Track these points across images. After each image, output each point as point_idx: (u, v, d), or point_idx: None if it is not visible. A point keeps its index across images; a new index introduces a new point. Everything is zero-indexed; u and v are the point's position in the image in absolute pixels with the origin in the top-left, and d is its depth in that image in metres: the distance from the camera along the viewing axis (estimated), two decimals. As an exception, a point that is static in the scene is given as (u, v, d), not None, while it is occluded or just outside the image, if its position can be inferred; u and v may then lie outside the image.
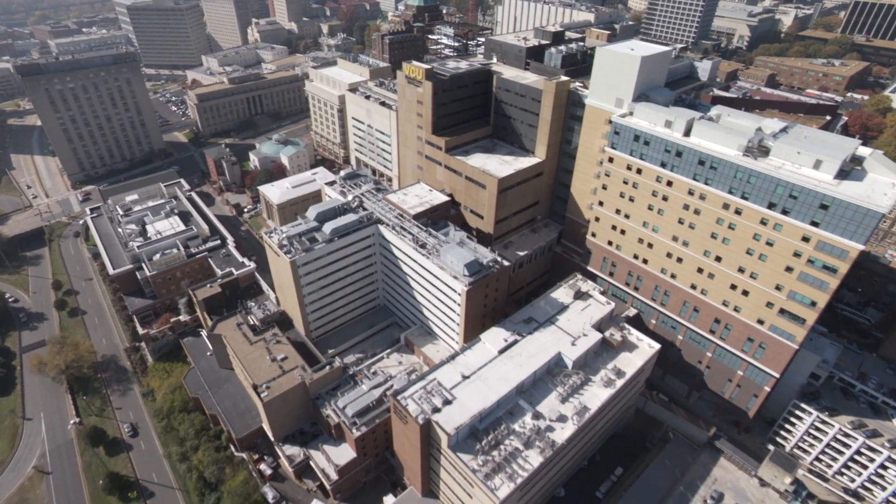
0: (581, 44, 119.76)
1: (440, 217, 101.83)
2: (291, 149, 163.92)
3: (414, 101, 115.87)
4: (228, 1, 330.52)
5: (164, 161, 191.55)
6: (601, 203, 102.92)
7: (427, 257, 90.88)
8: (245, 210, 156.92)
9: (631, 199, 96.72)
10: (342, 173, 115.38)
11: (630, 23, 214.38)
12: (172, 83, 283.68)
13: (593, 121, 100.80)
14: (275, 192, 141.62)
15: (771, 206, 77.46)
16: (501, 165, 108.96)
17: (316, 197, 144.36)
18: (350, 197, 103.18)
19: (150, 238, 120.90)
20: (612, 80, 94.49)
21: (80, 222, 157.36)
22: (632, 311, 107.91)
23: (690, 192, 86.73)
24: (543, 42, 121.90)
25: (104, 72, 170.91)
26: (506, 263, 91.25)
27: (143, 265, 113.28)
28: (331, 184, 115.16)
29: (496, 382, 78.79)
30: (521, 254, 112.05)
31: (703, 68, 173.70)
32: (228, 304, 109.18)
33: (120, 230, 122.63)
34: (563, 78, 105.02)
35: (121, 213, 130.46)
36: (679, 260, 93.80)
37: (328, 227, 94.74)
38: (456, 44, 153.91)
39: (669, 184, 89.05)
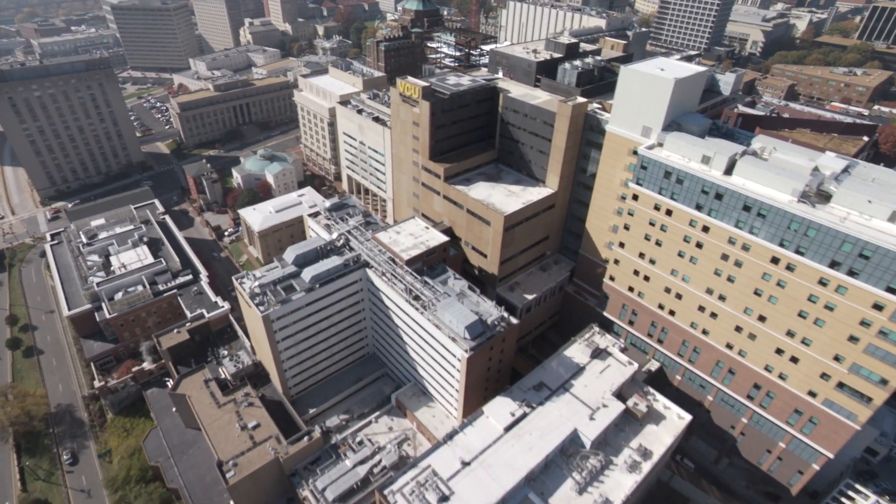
0: (598, 58, 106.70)
1: (437, 260, 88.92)
2: (277, 166, 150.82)
3: (409, 122, 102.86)
4: (220, 0, 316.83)
5: (143, 175, 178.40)
6: (622, 245, 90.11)
7: (421, 313, 78.01)
8: (226, 233, 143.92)
9: (658, 244, 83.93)
10: (327, 203, 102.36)
11: (642, 29, 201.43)
12: (159, 87, 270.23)
13: (615, 150, 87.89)
14: (256, 216, 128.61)
15: (833, 264, 64.64)
16: (508, 198, 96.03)
17: (301, 223, 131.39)
18: (335, 234, 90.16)
19: (113, 272, 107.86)
20: (639, 105, 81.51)
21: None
22: (654, 365, 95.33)
23: (731, 241, 73.92)
24: (555, 55, 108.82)
25: (75, 79, 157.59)
26: (514, 321, 78.37)
27: (103, 306, 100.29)
28: (314, 215, 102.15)
29: (502, 470, 66.10)
30: (530, 297, 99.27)
31: (726, 81, 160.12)
32: (198, 352, 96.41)
33: (80, 262, 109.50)
34: (580, 99, 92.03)
35: (84, 240, 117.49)
36: (713, 315, 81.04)
37: (308, 274, 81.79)
38: (457, 53, 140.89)
39: (705, 229, 76.25)
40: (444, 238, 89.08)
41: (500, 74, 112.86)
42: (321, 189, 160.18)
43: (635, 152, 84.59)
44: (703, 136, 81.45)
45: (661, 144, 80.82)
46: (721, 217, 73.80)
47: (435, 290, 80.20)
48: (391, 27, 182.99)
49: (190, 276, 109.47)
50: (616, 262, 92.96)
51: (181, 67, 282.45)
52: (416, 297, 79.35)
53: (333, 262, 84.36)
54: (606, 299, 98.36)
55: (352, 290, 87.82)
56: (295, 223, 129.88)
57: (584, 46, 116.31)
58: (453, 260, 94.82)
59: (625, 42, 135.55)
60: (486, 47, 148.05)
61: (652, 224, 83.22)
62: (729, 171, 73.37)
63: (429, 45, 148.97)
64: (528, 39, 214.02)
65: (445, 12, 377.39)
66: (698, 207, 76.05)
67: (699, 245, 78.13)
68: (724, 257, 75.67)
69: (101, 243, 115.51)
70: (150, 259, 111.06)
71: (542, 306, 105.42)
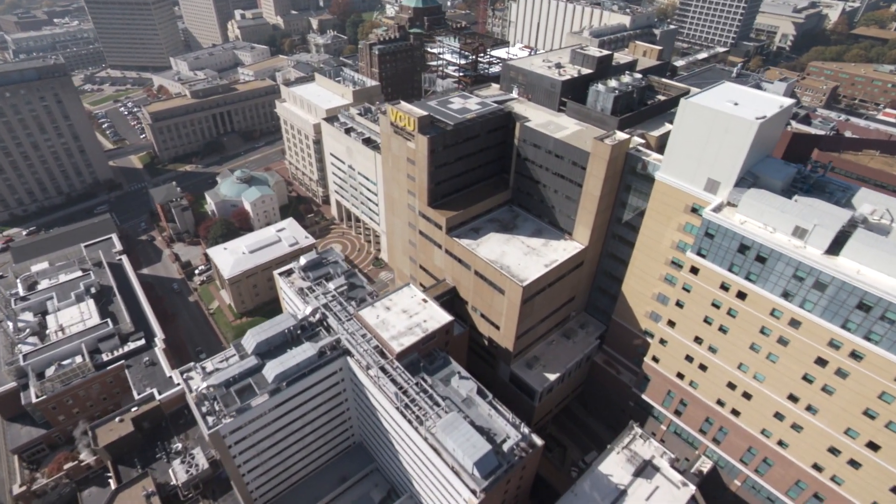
0: (638, 76, 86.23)
1: (438, 345, 70.14)
2: (255, 191, 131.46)
3: (403, 158, 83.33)
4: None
5: (110, 195, 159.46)
6: (671, 323, 71.06)
7: (416, 429, 59.55)
8: (196, 271, 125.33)
9: (722, 330, 64.87)
10: (302, 261, 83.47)
11: (670, 26, 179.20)
12: (139, 88, 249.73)
13: (666, 205, 68.29)
14: (227, 259, 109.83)
15: None
16: (526, 257, 76.83)
17: (281, 263, 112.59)
18: (308, 310, 71.33)
19: (47, 336, 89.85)
20: (704, 151, 61.72)
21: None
22: (705, 464, 76.94)
23: (834, 345, 54.82)
24: (584, 71, 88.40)
25: (25, 89, 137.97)
26: (539, 442, 59.72)
27: (30, 385, 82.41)
28: (286, 273, 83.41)
29: None
30: (552, 377, 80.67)
31: (775, 91, 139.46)
32: (146, 445, 78.87)
33: (8, 324, 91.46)
34: (619, 135, 72.19)
35: (21, 291, 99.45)
36: (796, 427, 62.31)
37: (272, 371, 63.27)
38: (462, 60, 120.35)
39: (794, 324, 57.15)
40: (445, 318, 70.07)
41: (515, 93, 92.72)
42: (307, 216, 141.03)
43: (695, 210, 65.24)
44: (787, 189, 61.95)
45: (732, 204, 61.34)
46: (821, 313, 54.56)
47: (434, 397, 61.49)
48: (387, 26, 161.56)
49: (142, 341, 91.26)
50: (662, 341, 74.00)
51: (164, 66, 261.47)
52: (408, 406, 60.78)
53: (305, 352, 65.68)
54: (647, 381, 79.65)
55: (329, 383, 69.39)
56: (272, 266, 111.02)
57: (617, 58, 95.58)
58: (458, 341, 75.98)
59: (660, 48, 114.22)
60: (496, 52, 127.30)
61: (716, 306, 64.06)
62: (835, 249, 54.03)
63: (429, 50, 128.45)
64: (540, 38, 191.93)
65: (449, 2, 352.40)
66: (786, 296, 56.82)
67: (783, 342, 59.08)
68: (822, 362, 56.65)
69: (38, 296, 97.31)
70: (96, 318, 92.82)
71: (567, 382, 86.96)
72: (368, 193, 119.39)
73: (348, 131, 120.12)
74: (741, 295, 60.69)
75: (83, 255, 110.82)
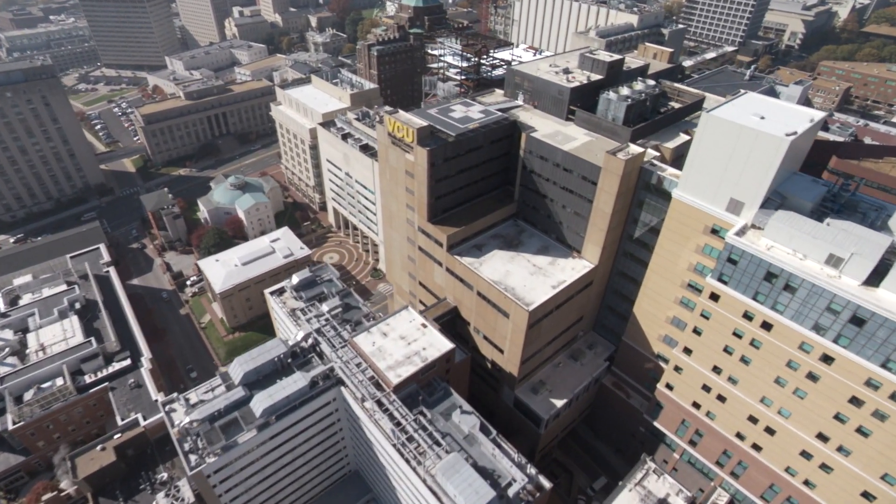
0: (651, 83, 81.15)
1: (438, 374, 65.59)
2: (249, 199, 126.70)
3: (401, 170, 78.52)
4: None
5: (101, 201, 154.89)
6: (688, 351, 66.40)
7: (414, 469, 55.08)
8: (188, 282, 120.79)
9: (744, 361, 60.20)
10: (294, 280, 78.86)
11: (679, 25, 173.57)
12: (134, 88, 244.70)
13: (683, 225, 63.47)
14: (218, 271, 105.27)
15: None
16: (532, 277, 72.16)
17: (275, 276, 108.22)
18: (300, 336, 66.79)
19: (27, 357, 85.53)
20: (727, 168, 56.87)
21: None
22: (721, 496, 72.47)
23: (872, 385, 50.15)
24: (594, 77, 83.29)
25: (11, 92, 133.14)
26: (547, 485, 55.18)
27: (7, 411, 78.09)
28: (278, 292, 78.87)
29: None
30: (559, 403, 76.15)
31: (790, 95, 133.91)
32: (129, 476, 74.58)
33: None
34: (633, 149, 67.28)
35: (1, 307, 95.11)
36: (826, 468, 57.73)
37: (260, 405, 58.83)
38: (464, 63, 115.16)
39: (827, 360, 52.44)
40: (446, 346, 65.45)
41: (521, 101, 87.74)
42: (303, 224, 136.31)
43: (715, 232, 60.47)
44: (816, 210, 57.09)
45: (757, 227, 56.56)
46: (858, 350, 49.85)
47: (434, 434, 56.95)
48: (387, 26, 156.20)
49: (128, 361, 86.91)
50: (677, 368, 69.37)
51: (159, 65, 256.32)
52: (406, 444, 56.26)
53: (296, 382, 61.20)
54: (659, 408, 75.04)
55: (322, 414, 64.95)
56: (266, 278, 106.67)
57: (628, 61, 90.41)
58: (460, 368, 71.39)
59: (671, 51, 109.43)
60: (501, 54, 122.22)
61: (738, 336, 59.36)
62: (874, 279, 49.25)
63: (429, 52, 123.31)
64: (544, 38, 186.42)
65: (451, 1, 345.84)
66: (817, 329, 52.08)
67: (813, 377, 54.40)
68: (857, 402, 51.98)
69: (19, 313, 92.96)
70: (79, 336, 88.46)
71: (574, 406, 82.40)
72: (366, 202, 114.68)
73: (345, 137, 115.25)
74: (766, 326, 55.97)
75: (69, 268, 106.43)
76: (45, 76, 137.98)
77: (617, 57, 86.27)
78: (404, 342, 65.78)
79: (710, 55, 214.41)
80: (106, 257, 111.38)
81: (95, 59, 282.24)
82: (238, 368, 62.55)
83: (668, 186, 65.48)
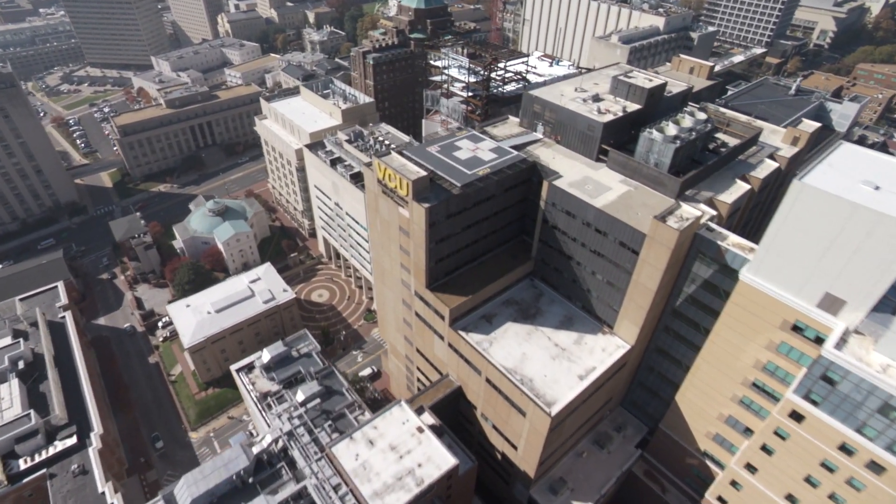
0: (701, 116, 66.25)
1: (436, 495, 52.03)
2: (229, 228, 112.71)
3: (394, 225, 64.42)
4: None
5: (71, 221, 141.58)
6: (751, 468, 52.60)
7: None
8: (160, 323, 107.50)
9: (834, 500, 46.33)
10: (266, 356, 65.39)
11: (708, 29, 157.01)
12: (120, 89, 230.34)
13: (754, 315, 49.34)
14: (188, 319, 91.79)
15: None
16: (555, 363, 58.42)
17: (254, 324, 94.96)
18: (268, 440, 53.38)
19: (-44, 434, 72.65)
20: (825, 254, 42.57)
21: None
22: None
23: None
24: (630, 107, 68.51)
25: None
26: None
27: (-76, 508, 65.44)
28: (246, 369, 65.47)
29: None
30: (585, 511, 62.70)
31: (843, 113, 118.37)
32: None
33: (-88, 416, 74.18)
34: (687, 210, 53.01)
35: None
36: None
37: (204, 550, 45.59)
38: (472, 78, 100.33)
39: (967, 527, 38.57)
40: (447, 462, 51.71)
41: (540, 133, 73.20)
42: (290, 256, 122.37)
43: (798, 329, 46.34)
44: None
45: (861, 333, 42.40)
46: None
47: None
48: (385, 28, 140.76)
49: (74, 438, 73.90)
50: (735, 484, 55.73)
51: (147, 65, 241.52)
52: None
53: (254, 516, 47.95)
54: (708, 518, 61.51)
55: (291, 545, 51.74)
56: (244, 327, 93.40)
57: (671, 85, 75.22)
58: (464, 481, 57.82)
59: (711, 65, 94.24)
60: (513, 65, 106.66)
61: (828, 469, 45.46)
62: None
63: (433, 63, 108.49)
64: (558, 42, 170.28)
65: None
66: (958, 487, 38.15)
67: (941, 542, 40.58)
68: None
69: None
70: (18, 407, 75.35)
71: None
72: (359, 238, 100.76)
73: (335, 163, 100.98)
74: (875, 467, 42.08)
75: (16, 313, 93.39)
76: (3, 85, 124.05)
77: (658, 81, 71.24)
78: (395, 455, 52.15)
79: (738, 58, 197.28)
80: (63, 299, 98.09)
81: (82, 57, 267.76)
82: (185, 492, 49.27)
83: (732, 262, 51.30)
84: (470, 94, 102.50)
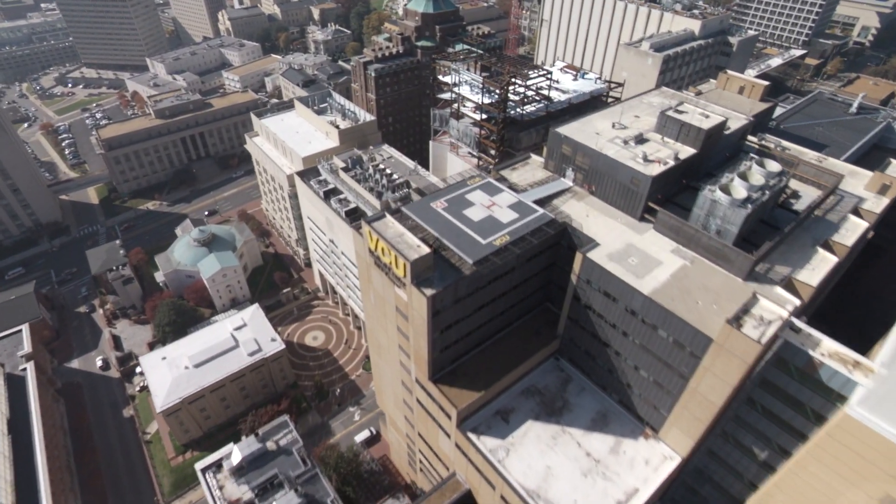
0: (775, 167, 53.11)
1: None
2: (215, 262, 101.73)
3: (390, 303, 52.50)
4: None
5: (52, 244, 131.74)
6: None
7: None
8: (138, 369, 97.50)
9: None
10: (235, 455, 54.47)
11: (749, 32, 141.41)
12: (115, 92, 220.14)
13: (861, 457, 36.99)
14: (163, 375, 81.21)
15: None
16: (586, 482, 46.83)
17: (238, 379, 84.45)
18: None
19: None
20: None
21: None
22: None
23: None
24: (683, 153, 55.59)
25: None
26: None
27: None
28: (214, 468, 54.74)
29: None
30: None
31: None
32: None
33: None
34: (769, 309, 40.69)
35: None
36: None
37: None
38: (486, 99, 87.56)
39: None
40: None
41: (569, 179, 60.67)
42: (283, 291, 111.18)
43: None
44: None
45: None
46: None
47: None
48: (389, 33, 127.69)
49: (22, 528, 64.16)
50: None
51: (144, 66, 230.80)
52: None
53: None
54: None
55: None
56: (226, 383, 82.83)
57: (731, 122, 61.83)
58: None
59: (766, 84, 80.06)
60: (533, 80, 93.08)
61: None
62: None
63: (441, 79, 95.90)
64: (578, 46, 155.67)
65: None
66: None
67: None
68: None
69: None
70: (-39, 490, 65.74)
71: None
72: (353, 279, 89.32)
73: (328, 195, 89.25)
74: None
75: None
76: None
77: (716, 119, 58.18)
78: None
79: (776, 60, 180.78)
80: (27, 347, 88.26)
81: (78, 57, 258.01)
82: None
83: (827, 379, 38.94)
84: (483, 116, 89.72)
